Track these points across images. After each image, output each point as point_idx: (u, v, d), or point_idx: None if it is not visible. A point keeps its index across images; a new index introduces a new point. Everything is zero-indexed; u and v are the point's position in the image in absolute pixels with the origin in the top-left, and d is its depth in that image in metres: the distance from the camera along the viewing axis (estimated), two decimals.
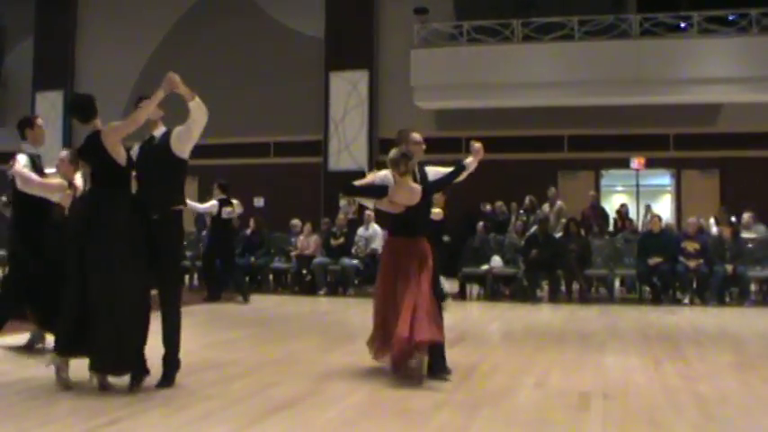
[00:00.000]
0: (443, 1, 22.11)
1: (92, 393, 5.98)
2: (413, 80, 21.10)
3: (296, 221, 17.27)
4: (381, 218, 8.24)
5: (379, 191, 7.31)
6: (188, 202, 8.31)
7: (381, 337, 7.16)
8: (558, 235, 15.72)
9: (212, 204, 14.49)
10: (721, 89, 20.02)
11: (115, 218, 6.08)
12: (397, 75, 21.77)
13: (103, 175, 6.24)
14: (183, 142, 6.56)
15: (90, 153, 6.31)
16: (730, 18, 20.32)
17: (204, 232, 17.01)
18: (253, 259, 16.64)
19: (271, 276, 17.36)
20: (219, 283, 14.54)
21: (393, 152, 7.22)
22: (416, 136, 7.75)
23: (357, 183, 7.73)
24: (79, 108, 6.44)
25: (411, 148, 7.43)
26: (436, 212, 8.05)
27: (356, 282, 16.22)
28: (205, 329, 10.28)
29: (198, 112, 6.49)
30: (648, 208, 18.39)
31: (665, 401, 6.01)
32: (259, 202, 22.82)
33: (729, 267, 14.23)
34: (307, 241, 16.61)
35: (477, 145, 7.61)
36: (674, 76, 19.84)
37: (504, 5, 21.42)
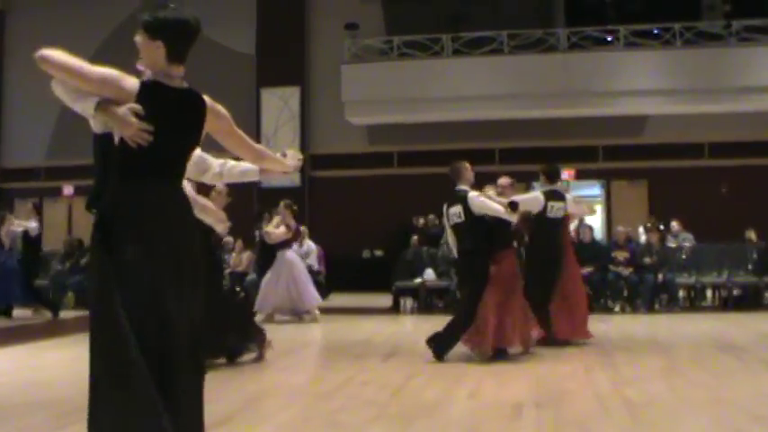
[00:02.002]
0: (374, 16, 22.21)
1: None
2: (344, 95, 21.14)
3: (228, 238, 17.15)
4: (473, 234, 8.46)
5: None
6: None
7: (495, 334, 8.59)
8: None
9: None
10: (647, 101, 20.44)
11: None
12: (329, 90, 21.80)
13: None
14: None
15: None
16: (655, 32, 20.73)
17: None
18: None
19: None
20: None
21: None
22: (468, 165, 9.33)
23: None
24: None
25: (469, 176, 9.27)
26: None
27: None
28: None
29: None
30: (582, 219, 18.60)
31: (596, 407, 6.09)
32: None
33: (659, 276, 14.52)
34: (239, 258, 16.53)
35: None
36: (601, 89, 20.20)
37: (434, 20, 21.59)
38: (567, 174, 21.42)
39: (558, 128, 21.02)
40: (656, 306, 14.74)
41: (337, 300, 17.34)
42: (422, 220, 18.98)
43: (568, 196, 10.69)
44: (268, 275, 13.76)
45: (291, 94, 22.68)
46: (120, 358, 3.49)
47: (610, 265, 14.79)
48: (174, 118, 3.76)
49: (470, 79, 20.47)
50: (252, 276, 16.02)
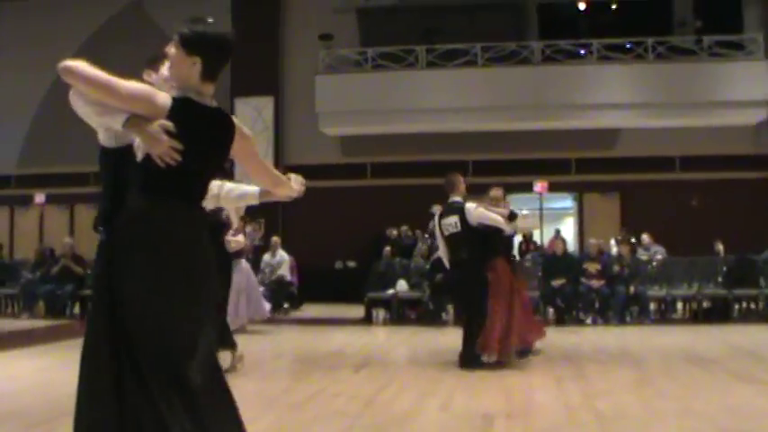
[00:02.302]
0: (348, 27, 22.23)
1: None
2: (318, 106, 21.13)
3: None
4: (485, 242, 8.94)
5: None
6: None
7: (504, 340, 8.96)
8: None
9: None
10: (620, 114, 20.57)
11: None
12: (302, 101, 21.78)
13: None
14: None
15: None
16: (628, 45, 20.89)
17: None
18: None
19: None
20: None
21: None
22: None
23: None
24: None
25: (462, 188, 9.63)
26: None
27: None
28: None
29: None
30: (558, 232, 18.68)
31: (566, 419, 6.12)
32: None
33: (631, 288, 14.62)
34: None
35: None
36: (574, 102, 20.32)
37: (409, 32, 21.64)
38: (540, 186, 21.54)
39: (531, 140, 21.11)
40: (628, 318, 14.79)
41: (310, 310, 17.33)
42: (395, 232, 19.00)
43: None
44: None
45: (265, 105, 22.64)
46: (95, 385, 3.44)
47: (581, 278, 14.86)
48: (204, 138, 3.61)
49: (444, 91, 20.53)
50: None
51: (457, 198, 9.47)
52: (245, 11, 22.50)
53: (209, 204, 5.38)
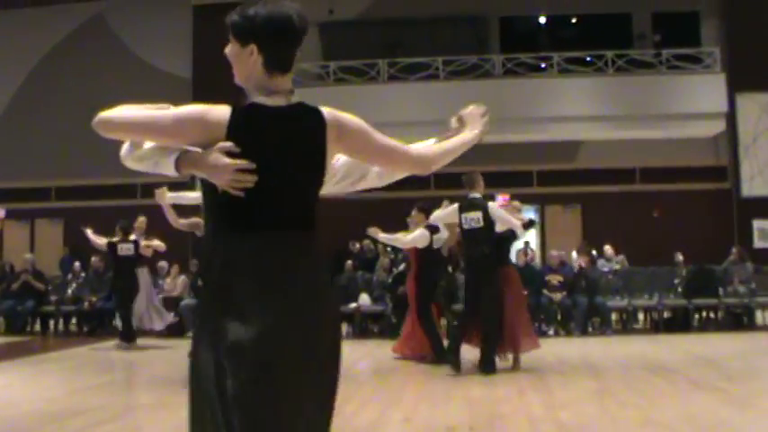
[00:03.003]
0: (310, 41, 22.19)
1: None
2: None
3: (163, 263, 17.02)
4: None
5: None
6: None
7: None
8: None
9: None
10: (580, 127, 20.77)
11: None
12: None
13: None
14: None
15: None
16: (588, 59, 21.12)
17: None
18: None
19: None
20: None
21: None
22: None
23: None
24: None
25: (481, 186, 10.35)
26: None
27: None
28: (72, 374, 10.03)
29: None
30: (527, 245, 18.71)
31: (529, 430, 6.16)
32: None
33: (592, 300, 14.74)
34: (173, 283, 16.39)
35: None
36: (535, 115, 20.48)
37: (371, 46, 21.73)
38: (502, 198, 21.63)
39: (493, 153, 21.14)
40: (589, 329, 14.90)
41: None
42: (357, 245, 18.98)
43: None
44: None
45: None
46: None
47: (543, 289, 14.95)
48: (282, 147, 2.86)
49: (406, 104, 20.60)
50: (186, 300, 15.88)
51: (477, 195, 10.00)
52: (207, 25, 22.41)
53: (371, 184, 3.72)
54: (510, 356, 9.92)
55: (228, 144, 2.77)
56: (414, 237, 11.35)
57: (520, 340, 9.94)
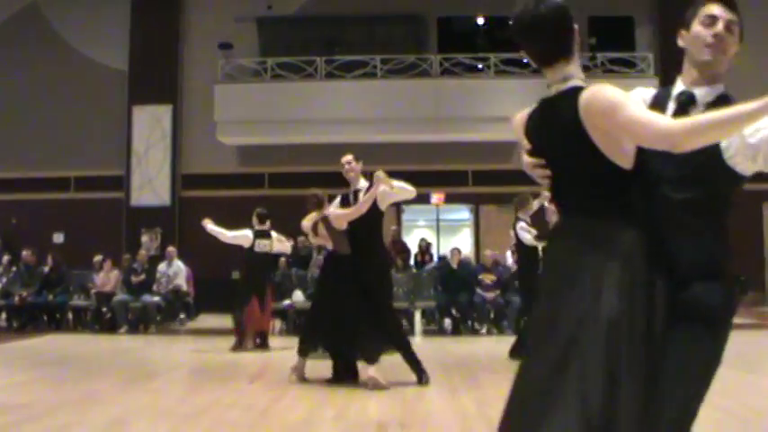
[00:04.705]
0: (248, 37, 22.11)
1: None
2: (216, 115, 20.97)
3: (98, 257, 16.79)
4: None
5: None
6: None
7: None
8: None
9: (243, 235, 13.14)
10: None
11: None
12: (201, 110, 21.57)
13: None
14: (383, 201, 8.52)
15: None
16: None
17: None
18: (51, 297, 16.09)
19: (70, 314, 16.76)
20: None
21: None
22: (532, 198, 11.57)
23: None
24: None
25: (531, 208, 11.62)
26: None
27: (158, 318, 15.88)
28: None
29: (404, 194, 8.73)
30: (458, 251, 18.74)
31: (460, 428, 6.18)
32: (59, 238, 22.02)
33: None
34: (107, 278, 16.17)
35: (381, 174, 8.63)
36: (472, 115, 20.58)
37: (308, 42, 21.67)
38: (437, 198, 21.73)
39: (428, 152, 21.27)
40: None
41: (205, 321, 17.13)
42: (291, 242, 18.88)
43: None
44: None
45: (164, 113, 22.33)
46: None
47: (477, 288, 15.03)
48: (554, 137, 2.97)
49: (343, 102, 20.58)
50: (119, 296, 15.69)
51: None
52: (144, 19, 22.23)
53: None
54: None
55: (525, 143, 3.05)
56: (235, 235, 12.71)
57: None
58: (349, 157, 8.92)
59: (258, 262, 12.96)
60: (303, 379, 8.72)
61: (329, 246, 8.82)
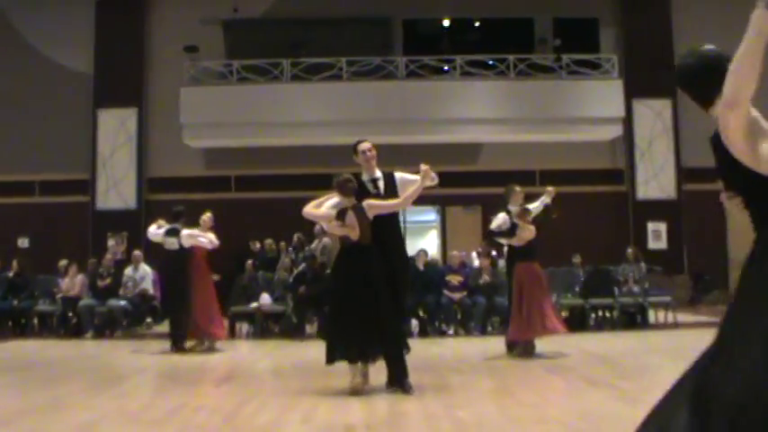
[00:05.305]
0: (214, 39, 22.05)
1: None
2: (182, 118, 20.91)
3: (63, 262, 16.67)
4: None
5: (511, 232, 11.42)
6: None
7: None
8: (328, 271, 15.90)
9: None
10: (482, 129, 21.04)
11: None
12: (167, 113, 21.50)
13: None
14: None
15: None
16: (490, 62, 21.38)
17: None
18: (16, 302, 15.96)
19: (36, 320, 16.63)
20: None
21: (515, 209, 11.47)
22: (518, 188, 11.71)
23: (493, 228, 11.63)
24: None
25: (515, 199, 11.59)
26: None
27: (124, 323, 15.78)
28: None
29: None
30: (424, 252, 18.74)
31: (427, 429, 6.20)
32: (23, 242, 21.87)
33: (492, 300, 14.90)
34: (72, 282, 16.06)
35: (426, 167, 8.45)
36: (437, 117, 20.67)
37: (274, 45, 21.65)
38: None
39: (395, 154, 21.11)
40: (489, 329, 15.07)
41: None
42: (258, 245, 18.86)
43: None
44: None
45: (129, 116, 22.24)
46: None
47: (444, 290, 15.07)
48: None
49: (309, 104, 20.60)
50: (85, 301, 15.59)
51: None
52: (109, 21, 22.13)
53: None
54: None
55: None
56: (155, 233, 13.01)
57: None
58: (369, 144, 8.67)
59: (170, 261, 12.94)
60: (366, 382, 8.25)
61: (353, 235, 8.13)
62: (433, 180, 8.33)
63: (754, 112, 2.89)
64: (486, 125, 21.06)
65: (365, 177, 8.56)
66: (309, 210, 8.61)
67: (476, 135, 21.39)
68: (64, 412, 7.20)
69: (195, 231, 12.92)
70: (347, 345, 8.02)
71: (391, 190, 8.34)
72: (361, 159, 8.62)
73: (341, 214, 8.24)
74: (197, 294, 12.63)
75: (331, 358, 8.11)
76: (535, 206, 11.84)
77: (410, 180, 8.52)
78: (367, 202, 8.23)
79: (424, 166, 8.21)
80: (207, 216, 13.26)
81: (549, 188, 12.08)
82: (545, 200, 11.99)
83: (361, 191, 8.41)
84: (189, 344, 12.64)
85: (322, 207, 8.51)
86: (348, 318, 7.97)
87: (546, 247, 18.86)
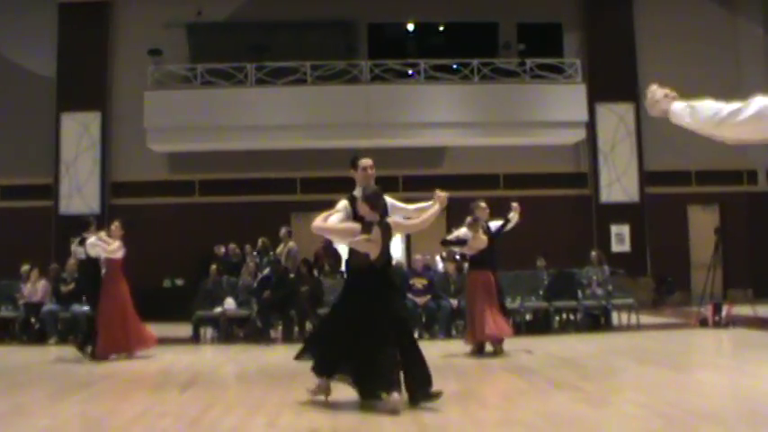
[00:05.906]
0: (178, 43, 21.97)
1: None
2: (146, 122, 20.82)
3: (26, 267, 16.49)
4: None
5: (464, 241, 11.98)
6: None
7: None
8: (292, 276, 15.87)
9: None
10: (446, 133, 21.12)
11: None
12: (131, 117, 21.40)
13: None
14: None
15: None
16: (454, 66, 21.47)
17: None
18: None
19: None
20: None
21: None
22: (483, 204, 12.39)
23: (448, 237, 12.40)
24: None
25: (479, 214, 12.22)
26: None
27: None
28: None
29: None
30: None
31: None
32: None
33: (455, 302, 14.93)
34: (34, 288, 15.90)
35: (443, 194, 8.09)
36: (402, 120, 20.73)
37: (239, 49, 21.61)
38: None
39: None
40: (453, 332, 15.09)
41: None
42: (222, 249, 18.81)
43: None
44: None
45: (92, 120, 22.12)
46: None
47: (408, 293, 15.07)
48: None
49: (273, 108, 20.58)
50: (48, 307, 15.43)
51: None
52: (72, 24, 21.99)
53: None
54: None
55: None
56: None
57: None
58: (371, 162, 8.27)
59: (83, 269, 13.31)
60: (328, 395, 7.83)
61: (372, 253, 7.58)
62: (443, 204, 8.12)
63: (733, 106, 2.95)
64: (450, 129, 21.14)
65: (357, 194, 7.97)
66: (322, 224, 7.70)
67: (440, 139, 21.47)
68: (26, 419, 7.14)
69: (97, 240, 12.61)
70: (331, 361, 7.73)
71: (384, 211, 8.02)
72: (359, 175, 8.18)
73: (367, 227, 7.58)
74: (110, 306, 12.52)
75: (303, 358, 8.06)
76: (509, 225, 12.65)
77: (398, 206, 8.40)
78: (393, 220, 7.85)
79: (440, 193, 7.99)
80: (115, 225, 13.01)
81: (515, 204, 12.54)
82: (514, 217, 12.52)
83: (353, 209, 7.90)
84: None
85: (329, 220, 7.78)
86: (344, 339, 7.64)
87: (510, 251, 19.01)
